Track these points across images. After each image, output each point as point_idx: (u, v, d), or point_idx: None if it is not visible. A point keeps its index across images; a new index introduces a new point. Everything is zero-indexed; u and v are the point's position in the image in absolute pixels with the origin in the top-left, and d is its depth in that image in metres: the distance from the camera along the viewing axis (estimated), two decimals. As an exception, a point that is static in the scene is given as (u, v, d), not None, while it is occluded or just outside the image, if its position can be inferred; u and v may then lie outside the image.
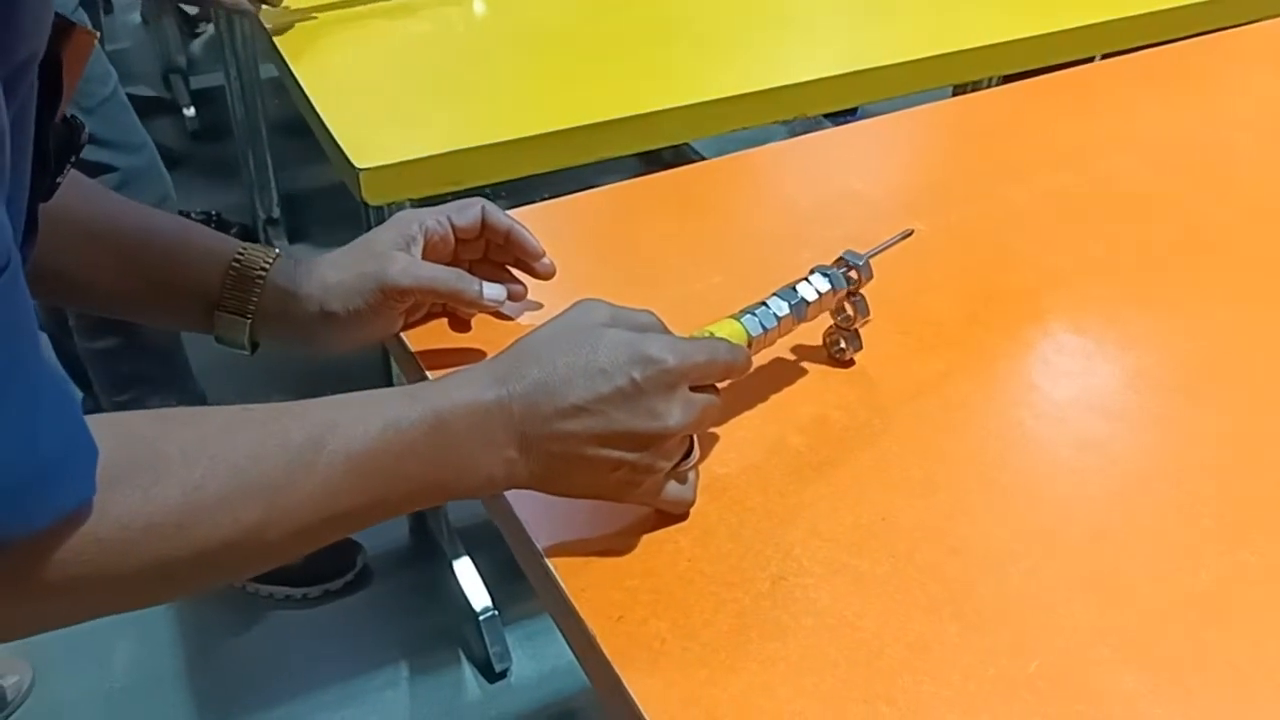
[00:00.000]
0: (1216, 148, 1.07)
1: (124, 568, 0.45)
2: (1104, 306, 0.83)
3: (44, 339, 1.80)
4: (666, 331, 0.62)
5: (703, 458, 0.66)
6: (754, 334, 0.65)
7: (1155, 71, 1.23)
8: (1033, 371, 0.76)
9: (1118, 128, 1.10)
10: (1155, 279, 0.86)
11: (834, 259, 0.73)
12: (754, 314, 0.66)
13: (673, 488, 0.61)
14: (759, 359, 0.70)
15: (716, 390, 0.62)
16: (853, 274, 0.72)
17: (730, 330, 0.65)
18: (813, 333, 0.75)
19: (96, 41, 0.57)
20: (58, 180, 0.58)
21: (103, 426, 0.44)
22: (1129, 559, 0.61)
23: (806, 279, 0.70)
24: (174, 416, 0.50)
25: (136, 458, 0.46)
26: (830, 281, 0.70)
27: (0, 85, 0.41)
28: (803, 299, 0.68)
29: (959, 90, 1.64)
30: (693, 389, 0.59)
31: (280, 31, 1.34)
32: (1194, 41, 1.31)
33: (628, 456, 0.58)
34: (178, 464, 0.47)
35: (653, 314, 0.62)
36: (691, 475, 0.63)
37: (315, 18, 1.38)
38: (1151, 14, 1.41)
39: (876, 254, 0.74)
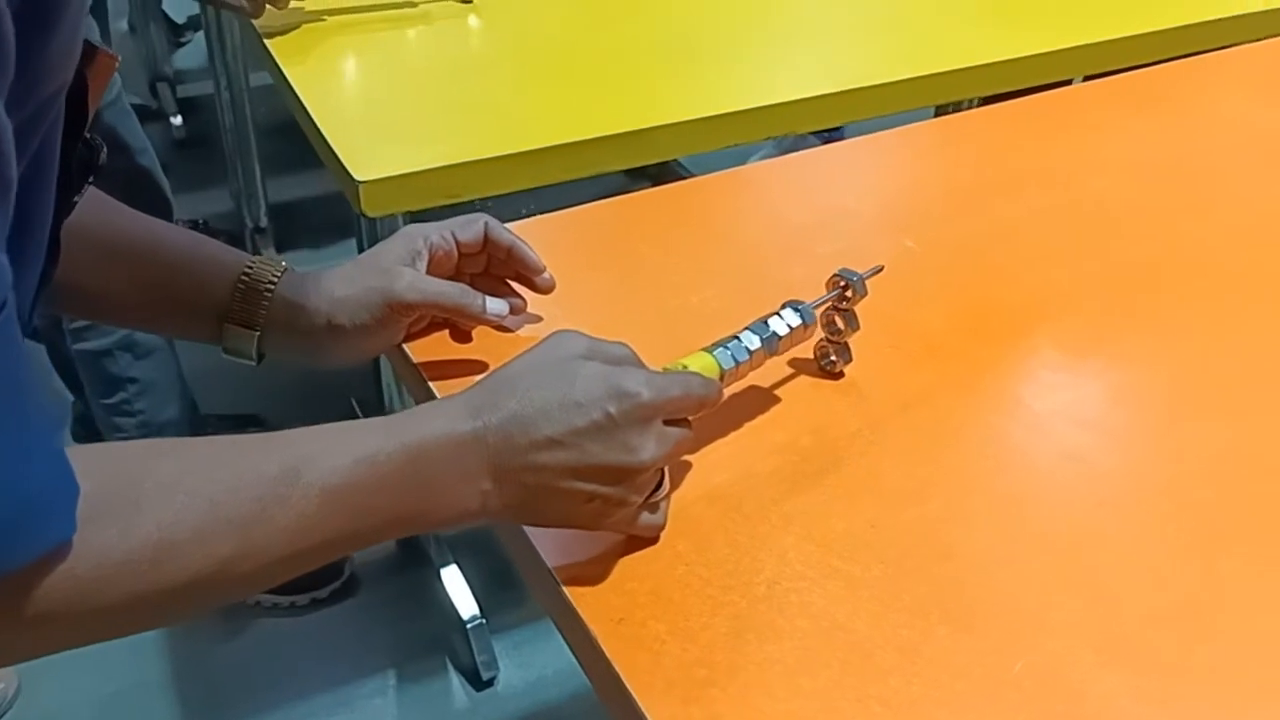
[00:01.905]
0: (1195, 168, 1.10)
1: (98, 603, 0.45)
2: (1087, 323, 0.86)
3: (39, 352, 1.81)
4: (641, 365, 0.63)
5: (674, 487, 0.67)
6: (726, 367, 0.67)
7: (1135, 94, 1.26)
8: (1019, 385, 0.79)
9: (1099, 149, 1.13)
10: (1137, 297, 0.89)
11: (828, 277, 0.75)
12: (726, 347, 0.68)
13: (644, 516, 0.63)
14: (743, 381, 0.71)
15: (689, 423, 0.63)
16: (846, 290, 0.74)
17: (703, 364, 0.66)
18: (804, 346, 0.78)
19: (118, 63, 0.58)
20: (75, 199, 0.59)
21: (84, 459, 0.45)
22: (1112, 565, 0.64)
23: (778, 313, 0.72)
24: (155, 449, 0.51)
25: (115, 494, 0.46)
26: (801, 316, 0.72)
27: (21, 121, 0.42)
28: (774, 333, 0.70)
29: (941, 110, 1.67)
30: (666, 422, 0.60)
31: (274, 35, 1.35)
32: (1173, 65, 1.34)
33: (601, 489, 0.58)
34: (154, 499, 0.47)
35: (627, 346, 0.63)
36: (663, 504, 0.64)
37: (323, 20, 1.40)
38: (1131, 38, 1.44)
39: (832, 299, 0.75)
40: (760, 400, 0.75)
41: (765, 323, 0.71)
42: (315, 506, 0.52)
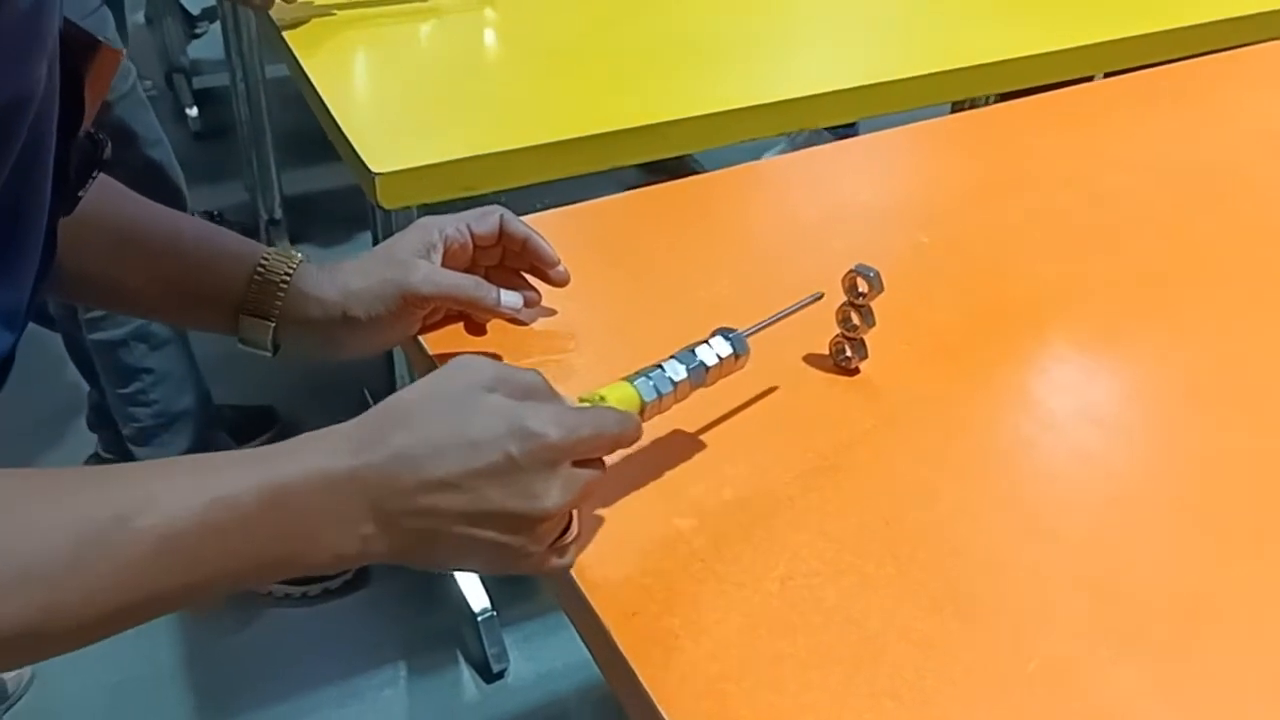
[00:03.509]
0: (1213, 166, 1.09)
1: None
2: (1101, 320, 0.86)
3: (53, 341, 1.82)
4: (554, 397, 0.58)
5: (583, 540, 0.62)
6: (648, 399, 0.62)
7: (1153, 91, 1.26)
8: (1032, 383, 0.79)
9: (1115, 146, 1.12)
10: (1152, 295, 0.89)
11: (843, 273, 0.75)
12: (649, 377, 0.63)
13: (550, 559, 0.58)
14: (740, 379, 0.69)
15: (602, 463, 0.58)
16: (862, 285, 0.74)
17: (622, 394, 0.61)
18: (819, 341, 0.78)
19: (124, 56, 0.58)
20: (79, 194, 0.60)
21: None
22: (1125, 563, 0.64)
23: (707, 342, 0.67)
24: None
25: None
26: (732, 345, 0.67)
27: None
28: (701, 363, 0.65)
29: (957, 107, 1.66)
30: (576, 463, 0.56)
31: (290, 27, 1.36)
32: (1192, 62, 1.34)
33: (499, 538, 0.53)
34: None
35: (540, 375, 0.58)
36: (571, 547, 0.60)
37: (333, 14, 1.40)
38: (1150, 35, 1.44)
39: (768, 325, 0.70)
40: (776, 396, 0.75)
41: (693, 351, 0.66)
42: (151, 554, 0.45)
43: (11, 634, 0.43)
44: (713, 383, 0.67)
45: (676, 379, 0.64)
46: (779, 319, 0.71)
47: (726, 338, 0.67)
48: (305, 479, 0.50)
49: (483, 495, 0.52)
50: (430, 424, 0.52)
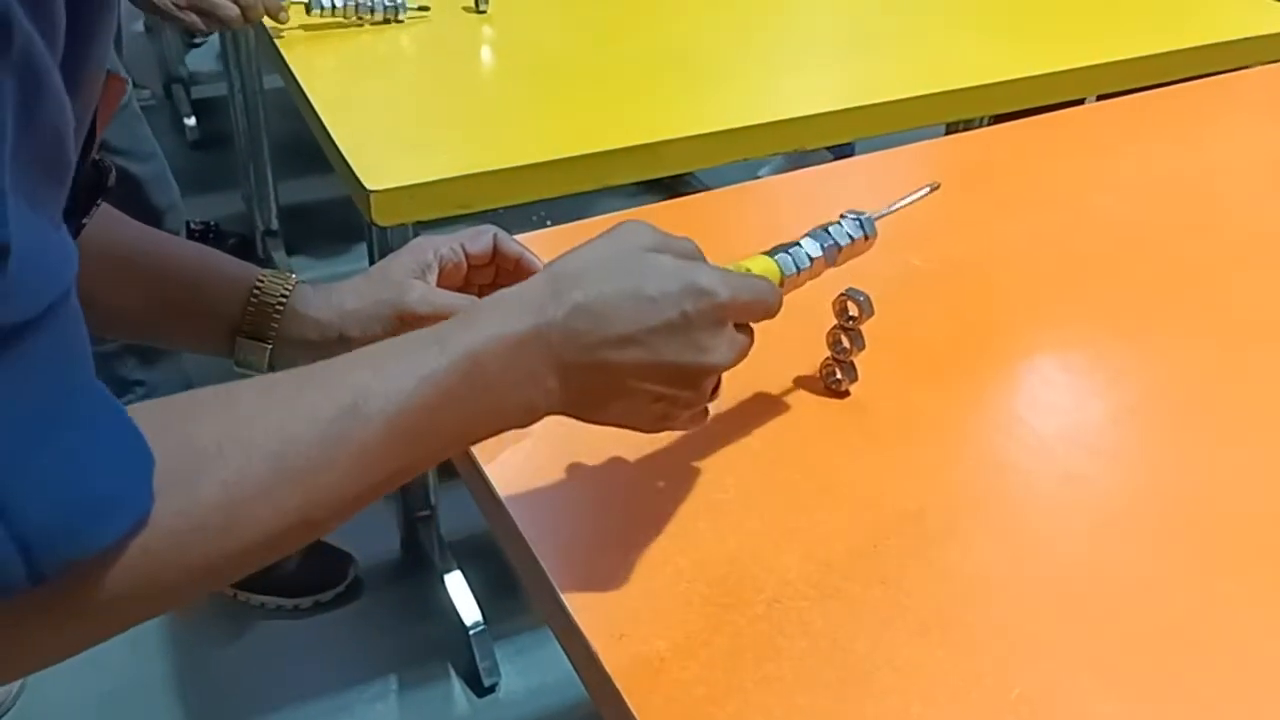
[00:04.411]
0: (1203, 190, 1.10)
1: (173, 573, 0.44)
2: (1091, 344, 0.86)
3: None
4: (709, 263, 0.60)
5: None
6: (787, 273, 0.65)
7: (1145, 115, 1.27)
8: (1022, 406, 0.79)
9: (1107, 169, 1.13)
10: (1142, 318, 0.89)
11: (834, 296, 0.75)
12: (787, 252, 0.66)
13: (699, 418, 0.62)
14: (730, 401, 0.71)
15: (753, 331, 0.61)
16: (852, 309, 0.75)
17: (764, 266, 0.64)
18: (809, 363, 0.78)
19: (129, 86, 0.58)
20: (84, 221, 0.60)
21: (140, 423, 0.43)
22: (1112, 588, 0.64)
23: (838, 222, 0.70)
24: (200, 402, 0.48)
25: (176, 458, 0.44)
26: (862, 226, 0.70)
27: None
28: (835, 242, 0.68)
29: (952, 128, 1.67)
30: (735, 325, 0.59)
31: (286, 40, 1.37)
32: (1183, 86, 1.35)
33: (669, 390, 0.56)
34: (214, 459, 0.45)
35: (693, 241, 0.60)
36: (709, 410, 0.63)
37: (336, 29, 1.41)
38: (1142, 59, 1.45)
39: (896, 209, 0.75)
40: (766, 417, 0.76)
41: (826, 230, 0.69)
42: (380, 439, 0.49)
43: (290, 523, 0.47)
44: (843, 262, 0.70)
45: (813, 255, 0.67)
46: (902, 206, 0.75)
47: (857, 219, 0.70)
48: (493, 344, 0.53)
49: (658, 349, 0.55)
50: (606, 282, 0.55)
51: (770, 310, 0.61)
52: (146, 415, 0.44)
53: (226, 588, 1.76)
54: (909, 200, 0.76)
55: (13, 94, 0.36)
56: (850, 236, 0.69)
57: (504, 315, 0.54)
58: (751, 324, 0.61)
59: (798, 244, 0.67)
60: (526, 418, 0.56)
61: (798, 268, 0.66)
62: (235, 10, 1.37)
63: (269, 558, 0.48)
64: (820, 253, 0.67)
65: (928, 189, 0.77)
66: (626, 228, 0.58)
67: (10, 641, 0.42)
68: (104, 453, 0.41)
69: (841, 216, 0.70)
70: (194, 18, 1.37)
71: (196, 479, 0.44)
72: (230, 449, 0.46)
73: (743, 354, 0.59)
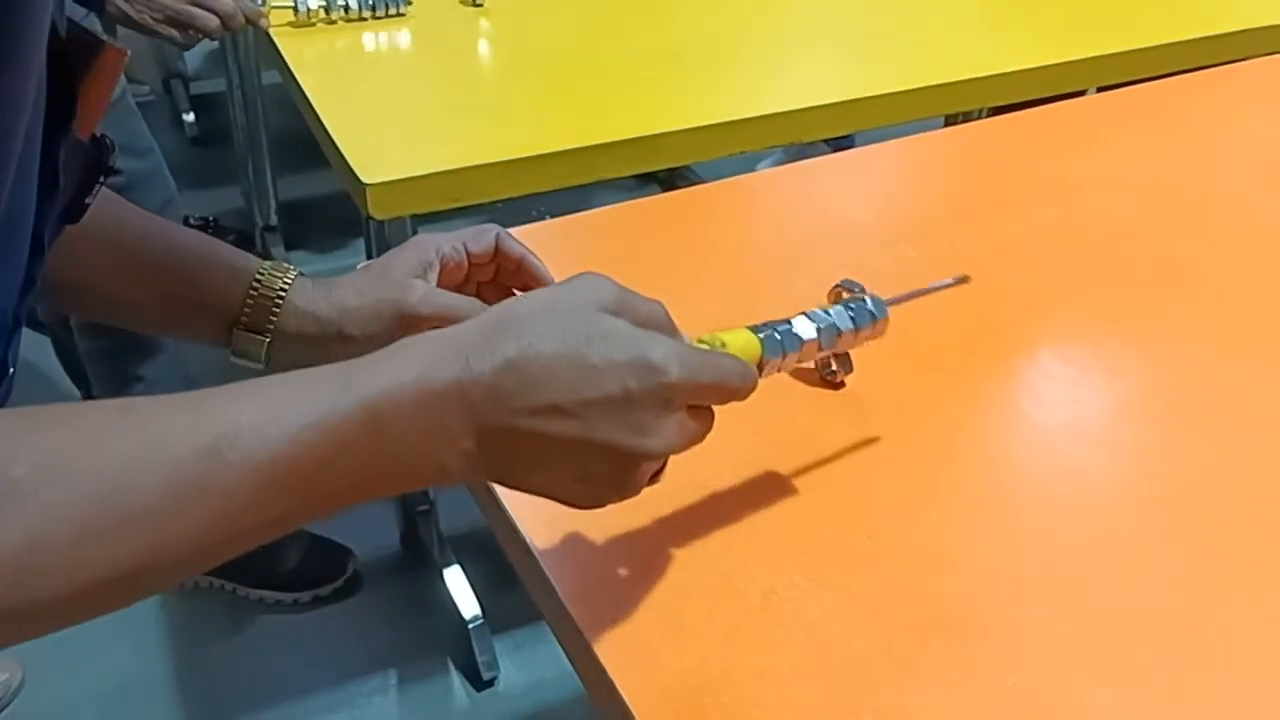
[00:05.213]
0: (1202, 183, 1.10)
1: (7, 601, 0.39)
2: (1090, 337, 0.86)
3: (43, 345, 1.82)
4: (674, 332, 0.54)
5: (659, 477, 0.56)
6: (770, 356, 0.58)
7: (1143, 107, 1.26)
8: (1019, 399, 0.79)
9: (1105, 161, 1.13)
10: (1140, 312, 0.89)
11: (835, 281, 0.75)
12: (776, 332, 0.59)
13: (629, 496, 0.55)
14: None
15: (712, 415, 0.54)
16: (848, 299, 0.74)
17: (743, 343, 0.57)
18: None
19: (127, 57, 0.58)
20: (86, 201, 0.59)
21: None
22: (1109, 581, 0.64)
23: (844, 303, 0.64)
24: (30, 420, 0.41)
25: (18, 480, 0.39)
26: (872, 314, 0.64)
27: None
28: (833, 324, 0.61)
29: (950, 120, 1.67)
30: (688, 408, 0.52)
31: (284, 36, 1.37)
32: (1182, 78, 1.34)
33: (599, 471, 0.51)
34: (24, 490, 0.39)
35: (661, 305, 0.54)
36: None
37: (334, 22, 1.41)
38: (1141, 50, 1.45)
39: (912, 298, 0.68)
40: (761, 409, 0.75)
41: (827, 311, 0.61)
42: (249, 486, 0.43)
43: (116, 576, 0.41)
44: (842, 350, 0.62)
45: (805, 338, 0.60)
46: (923, 294, 0.68)
47: (864, 302, 0.63)
48: (405, 392, 0.46)
49: (591, 424, 0.48)
50: (545, 340, 0.48)
51: (737, 394, 0.54)
52: (3, 426, 0.39)
53: (208, 586, 1.76)
54: (933, 289, 0.69)
55: None
56: (855, 323, 0.62)
57: (425, 361, 0.47)
58: (714, 407, 0.54)
59: (788, 322, 0.60)
60: (436, 478, 0.49)
61: (784, 350, 0.58)
62: (215, 21, 1.37)
63: (95, 610, 0.42)
64: (815, 335, 0.60)
65: (956, 280, 0.70)
66: (586, 281, 0.52)
67: None
68: None
69: (850, 293, 0.63)
70: (172, 31, 1.38)
71: (13, 506, 0.39)
72: (48, 482, 0.40)
73: (693, 441, 0.53)
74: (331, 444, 0.45)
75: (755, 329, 0.59)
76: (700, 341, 0.56)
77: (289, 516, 0.46)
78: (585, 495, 0.52)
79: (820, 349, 0.61)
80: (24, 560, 0.39)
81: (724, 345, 0.56)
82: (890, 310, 0.66)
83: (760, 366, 0.58)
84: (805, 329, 0.60)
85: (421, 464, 0.48)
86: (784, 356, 0.59)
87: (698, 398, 0.52)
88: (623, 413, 0.49)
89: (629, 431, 0.49)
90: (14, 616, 0.39)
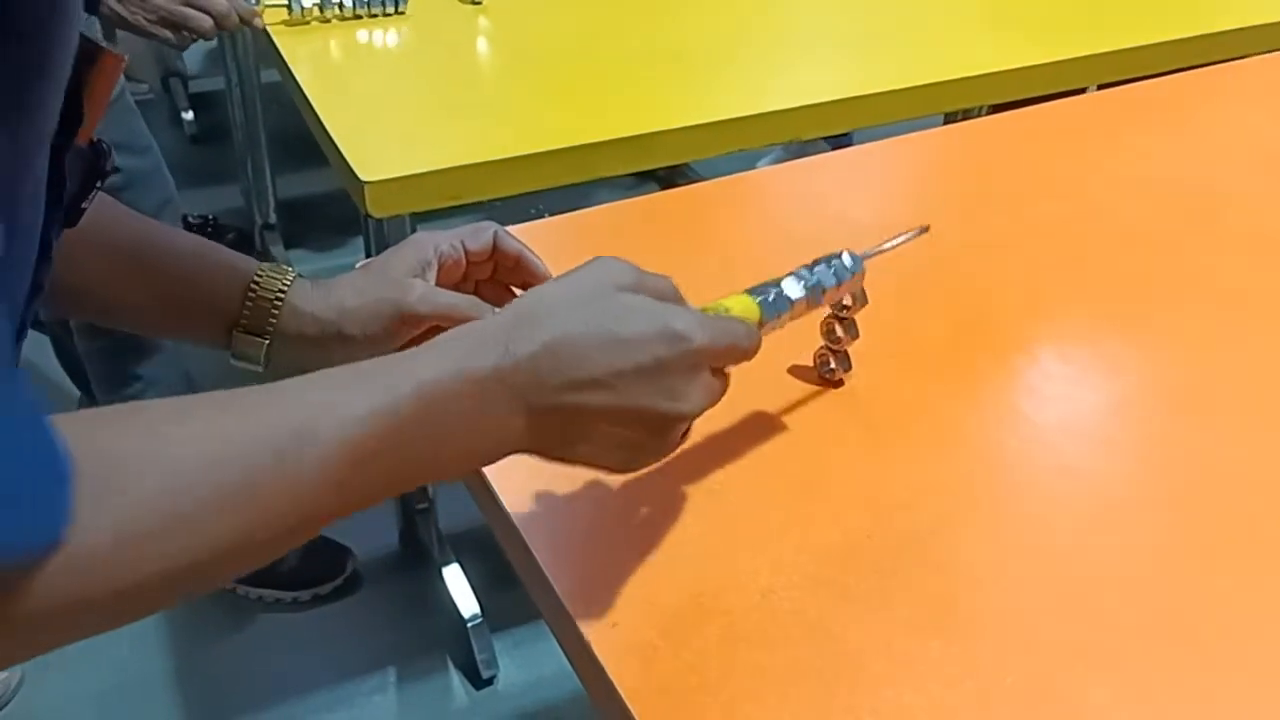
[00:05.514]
0: (1201, 180, 1.09)
1: (97, 593, 0.41)
2: (1089, 335, 0.86)
3: (43, 345, 1.82)
4: (685, 302, 0.58)
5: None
6: (768, 316, 0.63)
7: (1144, 105, 1.26)
8: (1018, 396, 0.79)
9: (1105, 159, 1.13)
10: (1140, 310, 0.89)
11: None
12: (769, 296, 0.64)
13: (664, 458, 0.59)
14: (753, 375, 0.70)
15: (728, 376, 0.58)
16: (846, 298, 0.74)
17: (744, 306, 0.62)
18: (804, 353, 0.78)
19: (125, 62, 0.58)
20: (83, 205, 0.59)
21: (68, 432, 0.40)
22: (1106, 578, 0.64)
23: (824, 262, 0.68)
24: (143, 413, 0.45)
25: (107, 470, 0.41)
26: (849, 268, 0.69)
27: None
28: (819, 283, 0.67)
29: (949, 118, 1.67)
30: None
31: (282, 34, 1.36)
32: (1183, 75, 1.34)
33: (636, 436, 0.55)
34: (150, 474, 0.42)
35: (670, 280, 0.58)
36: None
37: (331, 21, 1.41)
38: (1142, 48, 1.44)
39: (884, 250, 0.73)
40: (758, 407, 0.75)
41: (810, 269, 0.67)
42: (334, 465, 0.47)
43: (222, 546, 0.44)
44: (830, 302, 0.69)
45: (795, 297, 0.65)
46: (890, 248, 0.74)
47: (841, 259, 0.69)
48: (453, 379, 0.50)
49: (628, 394, 0.52)
50: (576, 322, 0.52)
51: (747, 354, 0.59)
52: (73, 424, 0.41)
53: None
54: (898, 241, 0.75)
55: None
56: (836, 278, 0.68)
57: (465, 350, 0.51)
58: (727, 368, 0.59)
59: (779, 284, 0.65)
60: (490, 455, 0.54)
61: (778, 313, 0.64)
62: (208, 21, 1.37)
63: (204, 584, 0.45)
64: (803, 294, 0.65)
65: (918, 231, 0.76)
66: (601, 264, 0.56)
67: None
68: (15, 462, 0.38)
69: (828, 256, 0.69)
70: (166, 33, 1.38)
71: (127, 492, 0.41)
72: (166, 464, 0.43)
73: (715, 399, 0.57)
74: (395, 428, 0.48)
75: (752, 292, 0.64)
76: (705, 309, 0.60)
77: (359, 498, 0.49)
78: (626, 460, 0.56)
79: (808, 307, 0.66)
80: (162, 530, 0.41)
81: (728, 311, 0.61)
82: (865, 262, 0.71)
83: (760, 325, 0.62)
84: (794, 289, 0.65)
85: (476, 445, 0.52)
86: (778, 318, 0.64)
87: (719, 360, 0.57)
88: (655, 380, 0.53)
89: (662, 397, 0.53)
90: (144, 588, 0.42)
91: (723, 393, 0.58)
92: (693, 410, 0.55)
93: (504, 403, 0.51)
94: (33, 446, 0.38)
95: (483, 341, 0.52)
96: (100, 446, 0.41)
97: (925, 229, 0.77)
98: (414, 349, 0.53)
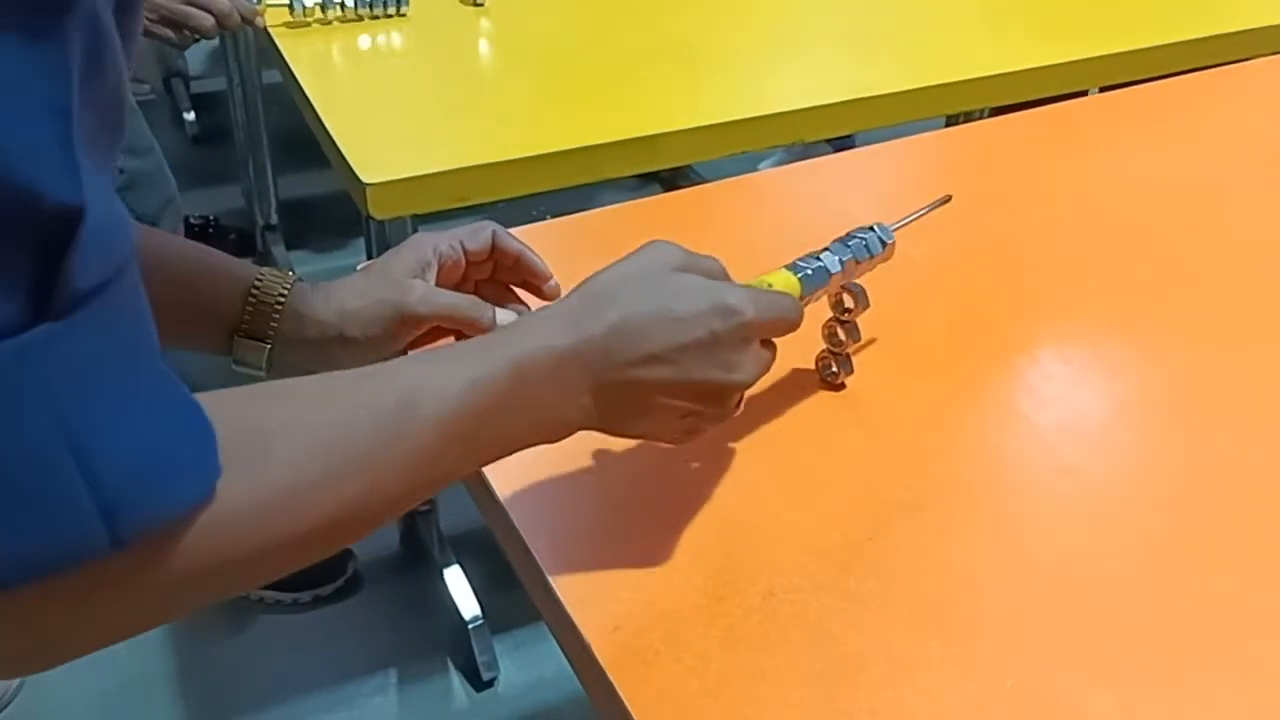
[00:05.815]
0: (1202, 183, 1.09)
1: (238, 551, 0.43)
2: (1089, 337, 0.86)
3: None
4: (733, 281, 0.62)
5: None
6: (808, 289, 0.66)
7: (1145, 107, 1.26)
8: (1019, 398, 0.79)
9: (1106, 161, 1.13)
10: (1140, 311, 0.89)
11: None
12: (809, 270, 0.67)
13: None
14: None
15: (774, 345, 0.62)
16: (848, 301, 0.74)
17: (785, 281, 0.66)
18: (805, 356, 0.78)
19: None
20: None
21: (205, 407, 0.43)
22: (1107, 581, 0.64)
23: (858, 235, 0.71)
24: (267, 391, 0.48)
25: (242, 438, 0.44)
26: (881, 241, 0.72)
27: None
28: (854, 256, 0.70)
29: (952, 120, 1.67)
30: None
31: (284, 35, 1.36)
32: (1184, 78, 1.34)
33: (696, 407, 0.58)
34: (280, 442, 0.45)
35: (718, 260, 0.62)
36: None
37: (331, 22, 1.41)
38: (1143, 50, 1.44)
39: (911, 221, 0.76)
40: (760, 410, 0.75)
41: (845, 243, 0.70)
42: (433, 437, 0.50)
43: (346, 514, 0.47)
44: (860, 275, 0.72)
45: (833, 270, 0.68)
46: (917, 217, 0.78)
47: (874, 231, 0.72)
48: (536, 357, 0.54)
49: (687, 367, 0.56)
50: (638, 302, 0.56)
51: (793, 326, 0.62)
52: (217, 397, 0.44)
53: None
54: (923, 211, 0.78)
55: (79, 54, 0.35)
56: (869, 251, 0.71)
57: (546, 330, 0.55)
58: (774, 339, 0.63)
59: (817, 257, 0.68)
60: (561, 431, 0.57)
61: (818, 284, 0.67)
62: (210, 20, 1.37)
63: (328, 547, 0.48)
64: (839, 268, 0.69)
65: (941, 199, 0.78)
66: (654, 247, 0.60)
67: (78, 616, 0.41)
68: (172, 421, 0.41)
69: (860, 230, 0.72)
70: (168, 32, 1.38)
71: (263, 460, 0.44)
72: (294, 433, 0.46)
73: (766, 369, 0.61)
74: (489, 401, 0.52)
75: (791, 267, 0.67)
76: (750, 285, 0.63)
77: (456, 468, 0.53)
78: (685, 430, 0.60)
79: (843, 279, 0.70)
80: (286, 496, 0.45)
81: (770, 286, 0.65)
82: (895, 235, 0.74)
83: (801, 298, 0.66)
84: (833, 263, 0.69)
85: (551, 417, 0.56)
86: (816, 290, 0.68)
87: (768, 332, 0.61)
88: (711, 353, 0.57)
89: (718, 369, 0.57)
90: (279, 547, 0.45)
91: (771, 362, 0.62)
92: (746, 379, 0.59)
93: (579, 378, 0.55)
94: (185, 415, 0.41)
95: (560, 321, 0.56)
96: (239, 416, 0.45)
97: (948, 198, 0.79)
98: (500, 329, 0.58)
